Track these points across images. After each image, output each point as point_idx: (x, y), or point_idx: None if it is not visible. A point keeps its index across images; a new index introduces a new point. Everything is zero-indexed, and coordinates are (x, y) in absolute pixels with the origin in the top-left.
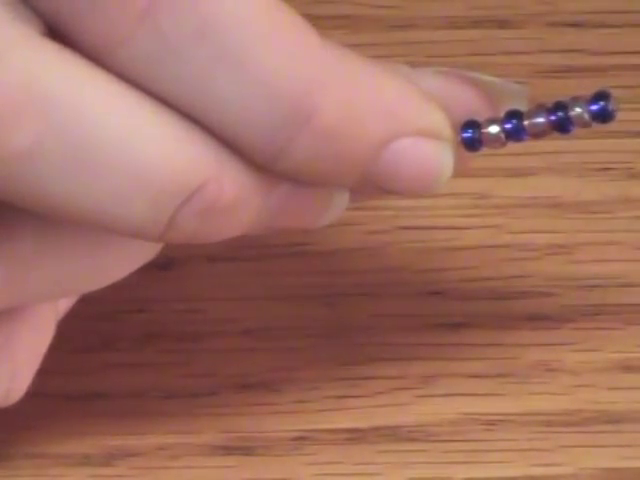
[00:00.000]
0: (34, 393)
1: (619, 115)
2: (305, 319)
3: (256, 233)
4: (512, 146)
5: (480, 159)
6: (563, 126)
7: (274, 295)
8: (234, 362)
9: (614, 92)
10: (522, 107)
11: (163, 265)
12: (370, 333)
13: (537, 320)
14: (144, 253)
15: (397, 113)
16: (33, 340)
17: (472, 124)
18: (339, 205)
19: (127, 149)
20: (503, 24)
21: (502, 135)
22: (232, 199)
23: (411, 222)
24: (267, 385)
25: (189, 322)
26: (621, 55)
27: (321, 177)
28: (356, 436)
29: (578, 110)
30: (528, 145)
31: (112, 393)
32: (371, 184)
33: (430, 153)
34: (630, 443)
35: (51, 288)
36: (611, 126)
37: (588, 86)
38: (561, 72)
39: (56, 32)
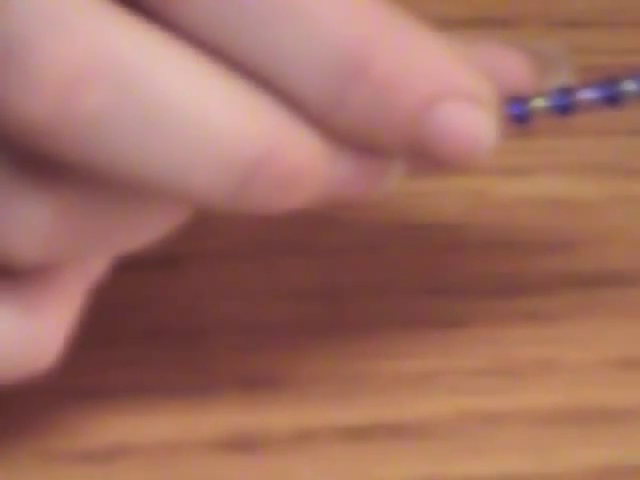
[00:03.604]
0: (35, 389)
1: (618, 114)
2: (306, 316)
3: (315, 204)
4: (512, 144)
5: None
6: (614, 100)
7: (275, 292)
8: (235, 359)
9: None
10: (571, 75)
11: (165, 263)
12: (369, 330)
13: (536, 317)
14: (178, 214)
15: (447, 73)
16: (64, 304)
17: (520, 98)
18: (393, 178)
19: (196, 113)
20: (503, 24)
21: (551, 110)
22: (300, 166)
23: (411, 220)
24: (268, 382)
25: (190, 319)
26: (622, 55)
27: (373, 134)
28: (357, 433)
29: (629, 83)
30: (527, 143)
31: (113, 390)
32: (417, 149)
33: (476, 119)
34: (629, 440)
35: (88, 244)
36: (610, 124)
37: None
38: None
39: None
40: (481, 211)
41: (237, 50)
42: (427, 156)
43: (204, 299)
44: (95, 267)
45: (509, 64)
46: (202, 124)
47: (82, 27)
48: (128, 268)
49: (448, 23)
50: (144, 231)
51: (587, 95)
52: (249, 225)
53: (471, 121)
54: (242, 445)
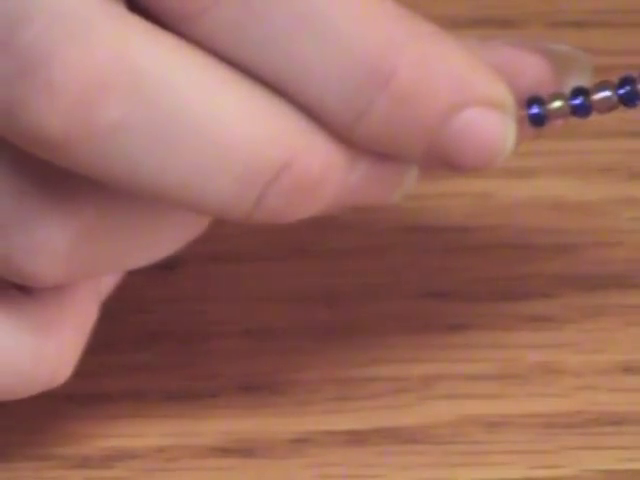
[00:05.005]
0: (33, 395)
1: (620, 116)
2: (306, 320)
3: (331, 211)
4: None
5: None
6: (631, 100)
7: (275, 296)
8: (235, 363)
9: None
10: (588, 77)
11: (164, 265)
12: (371, 334)
13: (538, 321)
14: (193, 229)
15: (467, 80)
16: (78, 321)
17: (537, 100)
18: (409, 182)
19: (213, 123)
20: (504, 24)
21: (568, 111)
22: (319, 175)
23: (412, 223)
24: (268, 386)
25: (190, 323)
26: (622, 55)
27: (393, 144)
28: (357, 438)
29: None
30: (530, 146)
31: (112, 394)
32: (437, 155)
33: (496, 124)
34: (631, 445)
35: (106, 262)
36: (613, 126)
37: None
38: None
39: (137, 1)
40: (484, 214)
41: (257, 62)
42: (446, 162)
43: (203, 302)
44: (109, 282)
45: (527, 65)
46: (222, 133)
47: (102, 37)
48: (127, 271)
49: (450, 23)
50: (161, 247)
51: (604, 96)
52: (250, 228)
53: (491, 126)
54: (242, 450)
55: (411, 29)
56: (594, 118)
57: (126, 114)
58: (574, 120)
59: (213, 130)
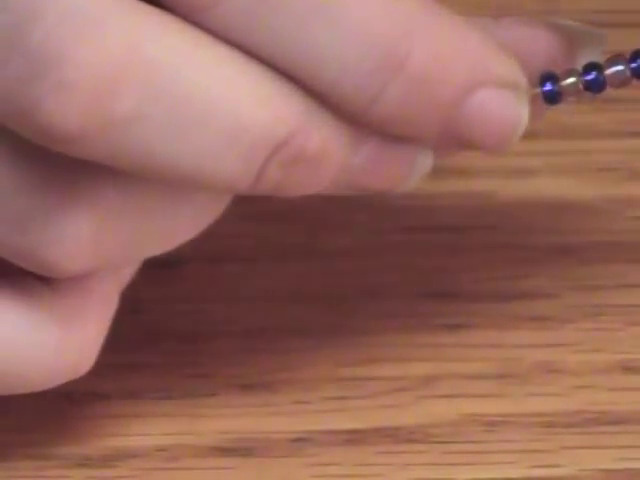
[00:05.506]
0: (33, 393)
1: (620, 116)
2: (305, 320)
3: (339, 192)
4: (515, 146)
5: (482, 159)
6: None
7: (274, 296)
8: (234, 363)
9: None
10: (600, 53)
11: (163, 265)
12: (370, 333)
13: (538, 321)
14: (211, 213)
15: (481, 61)
16: (99, 311)
17: (550, 77)
18: (421, 168)
19: (227, 110)
20: None
21: (582, 87)
22: (318, 150)
23: (412, 222)
24: (267, 386)
25: (189, 323)
26: None
27: (408, 126)
28: (356, 437)
29: None
30: (530, 145)
31: (111, 394)
32: (452, 137)
33: (510, 103)
34: (631, 444)
35: (127, 250)
36: (613, 126)
37: None
38: None
39: None
40: (484, 213)
41: (271, 49)
42: (461, 143)
43: (203, 302)
44: (126, 271)
45: (539, 42)
46: (234, 118)
47: (113, 30)
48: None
49: None
50: (179, 232)
51: (617, 70)
52: (248, 228)
53: (505, 106)
54: (241, 449)
55: (424, 13)
56: (595, 118)
57: (140, 105)
58: (588, 96)
59: (226, 116)
